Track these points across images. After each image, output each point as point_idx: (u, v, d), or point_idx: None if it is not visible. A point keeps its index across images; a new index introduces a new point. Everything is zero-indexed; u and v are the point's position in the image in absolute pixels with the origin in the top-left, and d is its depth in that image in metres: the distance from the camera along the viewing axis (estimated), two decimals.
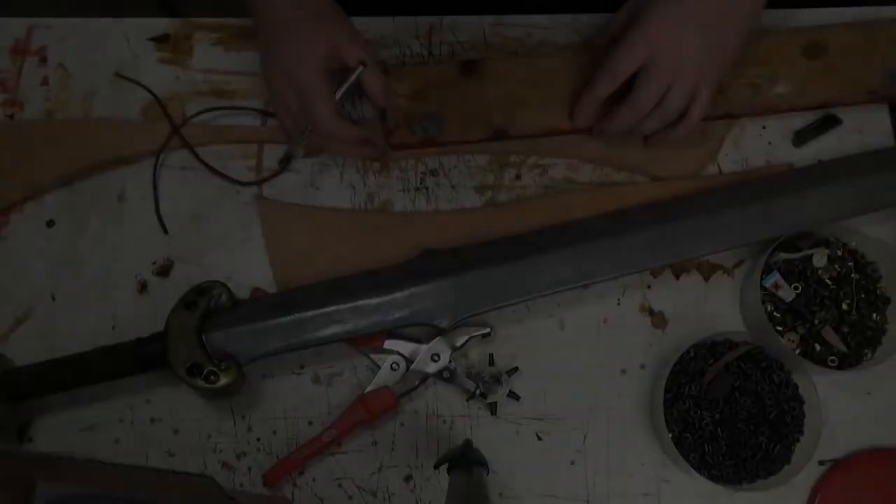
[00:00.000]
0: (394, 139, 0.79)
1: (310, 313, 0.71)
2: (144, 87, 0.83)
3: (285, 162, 0.75)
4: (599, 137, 0.79)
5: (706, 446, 0.71)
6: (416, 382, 0.74)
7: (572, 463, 0.74)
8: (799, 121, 0.82)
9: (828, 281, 0.75)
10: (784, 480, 0.70)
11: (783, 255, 0.75)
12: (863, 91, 0.80)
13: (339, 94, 0.71)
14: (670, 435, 0.71)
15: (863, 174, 0.77)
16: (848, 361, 0.74)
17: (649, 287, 0.78)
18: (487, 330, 0.74)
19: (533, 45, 0.84)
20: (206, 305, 0.71)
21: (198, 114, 0.82)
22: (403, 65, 0.83)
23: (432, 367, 0.74)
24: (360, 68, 0.71)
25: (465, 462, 0.66)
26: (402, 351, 0.74)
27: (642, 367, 0.76)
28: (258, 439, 0.74)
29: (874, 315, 0.75)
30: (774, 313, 0.75)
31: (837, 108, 0.82)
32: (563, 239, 0.74)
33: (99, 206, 0.80)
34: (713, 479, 0.70)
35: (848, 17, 0.84)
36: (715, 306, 0.77)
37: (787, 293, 0.74)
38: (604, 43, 0.81)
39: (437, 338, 0.74)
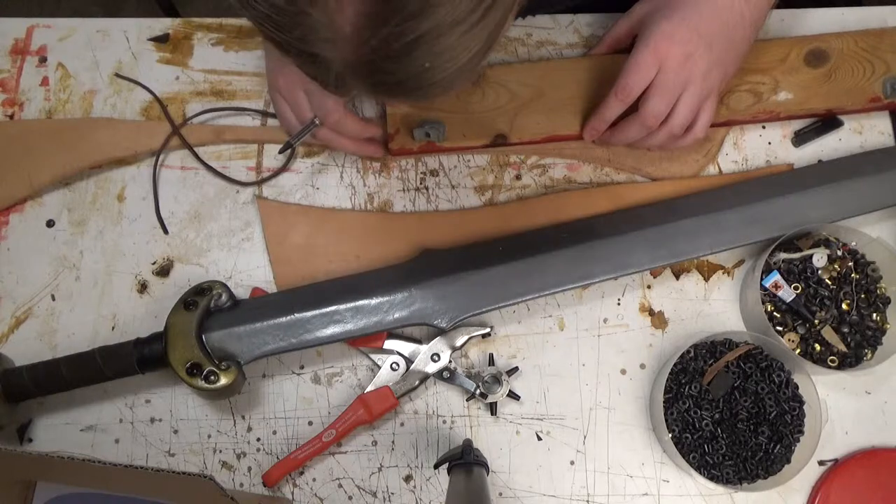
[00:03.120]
0: (394, 145, 0.79)
1: (310, 313, 0.71)
2: (144, 87, 0.83)
3: (286, 149, 0.75)
4: (605, 146, 0.79)
5: (706, 446, 0.71)
6: (416, 382, 0.73)
7: (572, 463, 0.74)
8: (799, 122, 0.82)
9: (828, 281, 0.75)
10: (784, 480, 0.70)
11: (783, 255, 0.75)
12: (865, 99, 0.80)
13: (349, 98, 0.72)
14: (670, 435, 0.71)
15: (863, 174, 0.77)
16: (848, 361, 0.74)
17: (649, 287, 0.78)
18: (487, 330, 0.74)
19: (533, 45, 0.84)
20: (206, 305, 0.71)
21: (198, 114, 0.82)
22: None
23: (432, 367, 0.74)
24: None
25: (465, 462, 0.67)
26: (402, 351, 0.74)
27: (642, 367, 0.76)
28: (258, 439, 0.74)
29: (874, 315, 0.75)
30: (774, 313, 0.75)
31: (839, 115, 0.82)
32: (563, 239, 0.74)
33: (99, 206, 0.80)
34: (713, 479, 0.70)
35: (850, 24, 0.84)
36: (715, 306, 0.77)
37: (787, 293, 0.74)
38: (602, 52, 0.81)
39: (437, 338, 0.74)
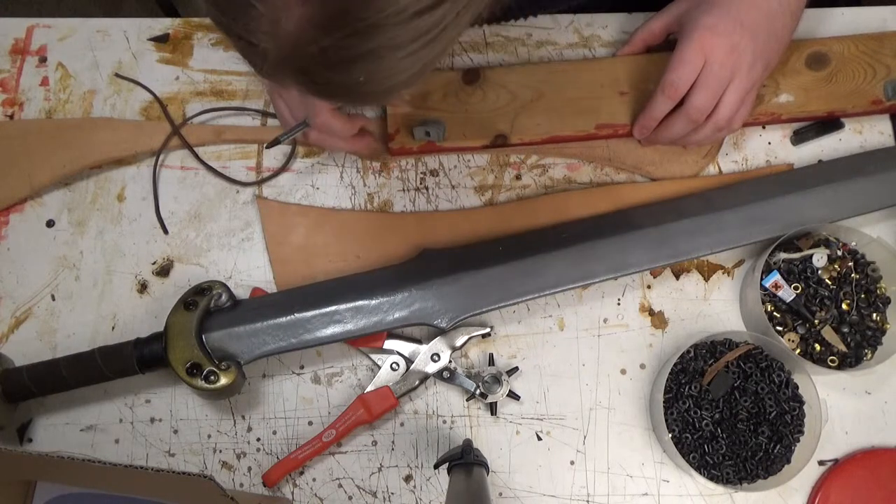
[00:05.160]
0: (394, 144, 0.79)
1: (310, 313, 0.71)
2: (144, 87, 0.83)
3: (272, 145, 0.75)
4: (651, 145, 0.79)
5: (706, 446, 0.71)
6: (416, 382, 0.73)
7: (572, 463, 0.74)
8: (800, 123, 0.82)
9: (828, 281, 0.75)
10: (784, 480, 0.70)
11: (783, 255, 0.75)
12: (866, 102, 0.80)
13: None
14: (670, 435, 0.71)
15: (863, 174, 0.77)
16: (848, 361, 0.74)
17: (649, 287, 0.78)
18: (487, 330, 0.74)
19: (533, 45, 0.84)
20: (206, 305, 0.71)
21: (198, 114, 0.82)
22: None
23: (432, 367, 0.74)
24: None
25: (465, 462, 0.67)
26: (402, 351, 0.74)
27: (642, 367, 0.76)
28: (258, 439, 0.74)
29: (874, 315, 0.75)
30: (774, 313, 0.75)
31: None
32: (563, 239, 0.74)
33: (99, 206, 0.80)
34: (713, 479, 0.70)
35: (849, 24, 0.84)
36: (715, 306, 0.77)
37: (787, 293, 0.74)
38: (633, 51, 0.81)
39: (437, 338, 0.74)
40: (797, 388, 0.73)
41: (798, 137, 0.81)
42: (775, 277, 0.74)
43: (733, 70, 0.70)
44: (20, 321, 0.77)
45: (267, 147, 0.76)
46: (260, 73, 0.49)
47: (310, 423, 0.75)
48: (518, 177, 0.81)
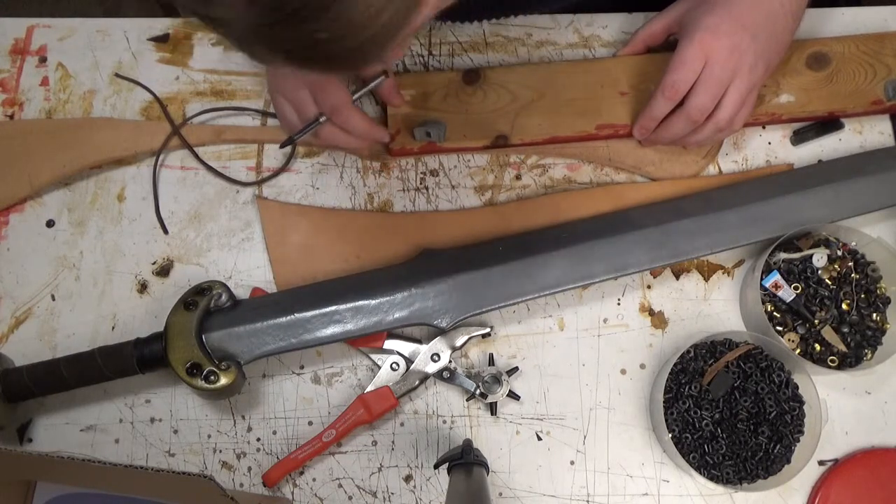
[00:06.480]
0: (394, 145, 0.79)
1: (310, 313, 0.71)
2: (144, 87, 0.83)
3: (287, 144, 0.75)
4: (651, 145, 0.79)
5: (706, 446, 0.71)
6: (416, 382, 0.73)
7: (572, 463, 0.74)
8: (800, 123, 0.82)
9: (828, 281, 0.75)
10: (784, 480, 0.70)
11: (783, 255, 0.75)
12: (866, 102, 0.80)
13: (356, 97, 0.71)
14: (670, 435, 0.71)
15: (863, 174, 0.77)
16: (848, 361, 0.74)
17: (649, 287, 0.78)
18: (487, 330, 0.74)
19: (533, 45, 0.84)
20: (206, 305, 0.71)
21: (198, 114, 0.82)
22: (405, 68, 0.83)
23: (432, 367, 0.74)
24: (382, 77, 0.71)
25: (465, 462, 0.67)
26: (402, 351, 0.74)
27: (642, 367, 0.76)
28: (258, 439, 0.74)
29: (874, 315, 0.75)
30: (774, 313, 0.75)
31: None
32: (563, 239, 0.74)
33: (99, 206, 0.80)
34: (713, 479, 0.70)
35: (849, 24, 0.84)
36: (715, 306, 0.77)
37: (787, 293, 0.74)
38: (634, 51, 0.81)
39: (437, 338, 0.74)
40: (797, 388, 0.73)
41: (798, 137, 0.81)
42: (775, 277, 0.74)
43: (734, 71, 0.69)
44: (20, 321, 0.77)
45: (281, 146, 0.76)
46: (243, 51, 0.46)
47: (310, 423, 0.75)
48: (518, 177, 0.81)
